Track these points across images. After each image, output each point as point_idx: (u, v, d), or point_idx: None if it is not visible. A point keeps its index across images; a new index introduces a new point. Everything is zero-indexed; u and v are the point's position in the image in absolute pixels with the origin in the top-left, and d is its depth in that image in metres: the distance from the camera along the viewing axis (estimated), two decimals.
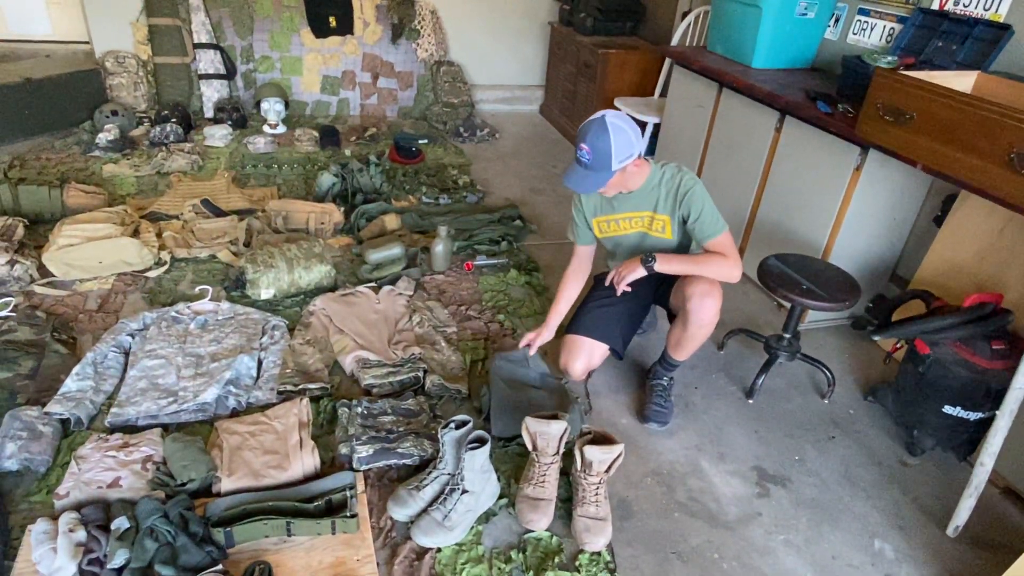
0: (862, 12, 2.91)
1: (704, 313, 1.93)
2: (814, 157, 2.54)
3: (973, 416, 1.95)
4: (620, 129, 1.79)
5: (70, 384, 1.94)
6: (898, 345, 2.24)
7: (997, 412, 1.66)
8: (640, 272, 1.94)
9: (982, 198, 1.87)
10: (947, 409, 1.97)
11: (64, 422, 1.85)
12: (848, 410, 2.26)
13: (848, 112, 2.40)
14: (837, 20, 3.04)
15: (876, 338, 2.18)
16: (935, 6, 2.57)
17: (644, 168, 1.95)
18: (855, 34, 2.96)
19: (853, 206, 2.42)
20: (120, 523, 1.47)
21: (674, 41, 3.94)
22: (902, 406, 2.13)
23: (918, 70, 2.24)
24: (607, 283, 2.04)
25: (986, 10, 2.39)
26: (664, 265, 1.92)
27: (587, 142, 1.79)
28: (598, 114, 1.82)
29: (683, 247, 2.11)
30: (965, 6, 2.47)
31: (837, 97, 2.55)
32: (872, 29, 2.87)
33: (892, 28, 2.77)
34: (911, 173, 2.35)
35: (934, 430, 2.03)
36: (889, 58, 2.47)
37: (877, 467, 2.03)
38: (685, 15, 4.02)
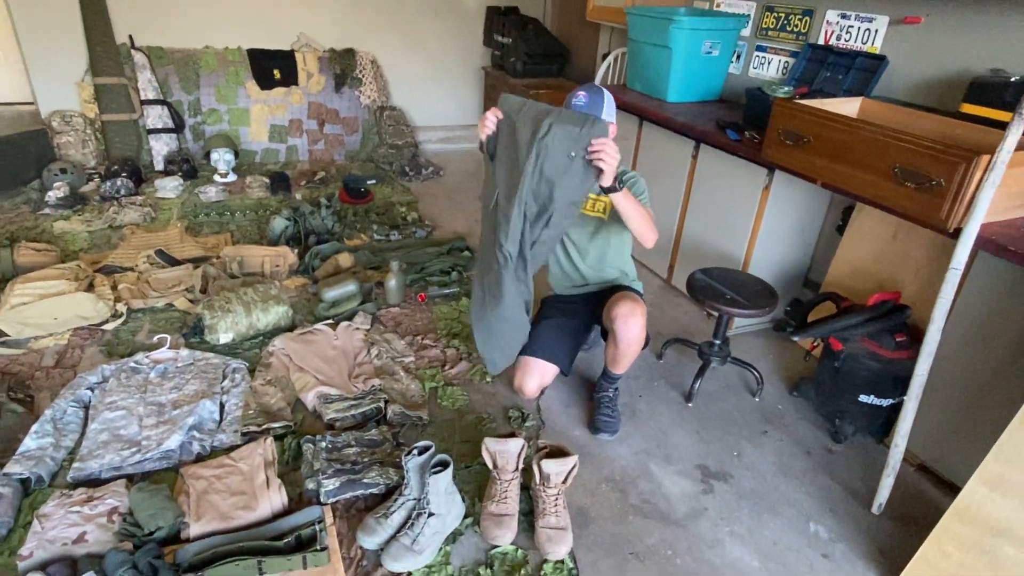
0: (760, 48, 3.08)
1: (629, 332, 1.98)
2: (728, 179, 2.65)
3: (885, 402, 2.05)
4: (611, 99, 1.93)
5: (29, 443, 1.82)
6: (815, 343, 2.33)
7: (904, 397, 1.75)
8: (610, 172, 1.76)
9: (875, 208, 1.99)
10: (862, 398, 2.06)
11: (24, 482, 1.74)
12: (777, 406, 2.34)
13: (754, 138, 2.52)
14: (739, 56, 3.20)
15: (796, 338, 2.27)
16: (821, 41, 2.75)
17: None
18: (755, 68, 3.13)
19: (765, 221, 2.54)
20: None
21: (597, 80, 4.06)
22: (823, 398, 2.22)
23: (811, 98, 2.38)
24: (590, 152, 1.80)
25: (864, 44, 2.57)
26: (621, 197, 1.85)
27: (583, 90, 1.90)
28: None
29: (605, 240, 2.15)
30: (846, 41, 2.64)
31: (744, 125, 2.67)
32: (769, 63, 3.04)
33: (787, 62, 2.93)
34: (813, 189, 2.47)
35: (853, 418, 2.12)
36: (786, 88, 2.61)
37: (807, 456, 2.10)
38: (605, 56, 4.16)
